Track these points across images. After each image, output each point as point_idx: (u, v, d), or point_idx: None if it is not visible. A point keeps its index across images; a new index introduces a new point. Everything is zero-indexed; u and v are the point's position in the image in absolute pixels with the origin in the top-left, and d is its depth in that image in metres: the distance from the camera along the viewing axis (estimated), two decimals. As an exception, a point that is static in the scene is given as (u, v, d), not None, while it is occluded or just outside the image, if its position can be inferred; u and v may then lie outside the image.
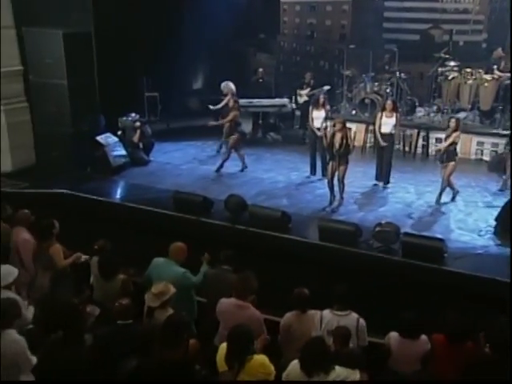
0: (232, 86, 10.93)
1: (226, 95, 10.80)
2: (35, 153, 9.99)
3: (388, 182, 9.02)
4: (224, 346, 4.32)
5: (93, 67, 9.77)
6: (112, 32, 9.94)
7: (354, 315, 4.82)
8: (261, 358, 4.23)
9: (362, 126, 11.13)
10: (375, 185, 9.10)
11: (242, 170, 9.78)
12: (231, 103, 9.83)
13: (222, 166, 9.69)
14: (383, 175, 9.02)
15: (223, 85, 11.01)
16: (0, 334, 4.36)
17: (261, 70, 12.57)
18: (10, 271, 5.19)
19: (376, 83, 11.52)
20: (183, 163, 10.29)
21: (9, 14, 9.29)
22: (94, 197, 8.69)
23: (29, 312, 5.30)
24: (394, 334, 4.80)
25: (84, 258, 6.22)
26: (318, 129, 9.24)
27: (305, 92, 11.48)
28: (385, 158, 8.96)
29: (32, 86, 9.66)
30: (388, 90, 11.39)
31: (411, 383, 4.80)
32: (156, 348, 4.40)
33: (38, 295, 5.93)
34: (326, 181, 8.60)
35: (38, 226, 6.31)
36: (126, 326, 4.61)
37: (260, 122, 11.96)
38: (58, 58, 9.23)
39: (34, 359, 4.48)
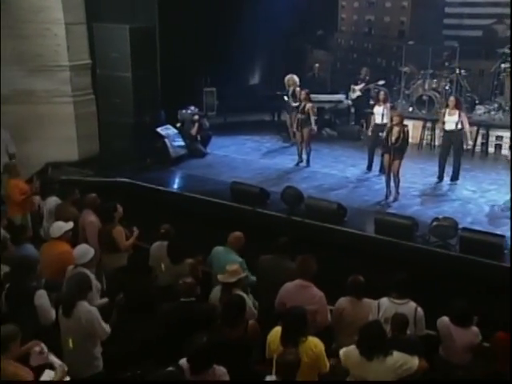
0: (296, 78, 11.02)
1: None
2: (99, 143, 10.44)
3: (457, 179, 8.92)
4: (277, 329, 4.47)
5: (155, 61, 10.13)
6: (175, 27, 10.29)
7: (413, 304, 4.85)
8: (315, 340, 4.36)
9: (419, 123, 11.03)
10: (438, 182, 8.98)
11: (297, 164, 9.87)
12: (303, 95, 9.84)
13: (308, 160, 9.81)
14: (454, 172, 8.92)
15: (288, 77, 11.11)
16: (76, 305, 4.67)
17: (316, 65, 12.63)
18: (88, 250, 5.46)
19: (434, 80, 11.39)
20: (240, 156, 10.49)
21: (81, 11, 9.76)
22: (154, 186, 9.03)
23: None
24: (445, 319, 4.82)
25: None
26: (378, 125, 9.25)
27: (359, 87, 11.48)
28: (454, 155, 8.87)
29: (98, 79, 10.10)
30: (447, 87, 11.24)
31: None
32: (216, 326, 4.63)
33: (103, 274, 6.28)
34: (382, 177, 8.64)
35: (102, 209, 6.66)
36: (189, 304, 4.81)
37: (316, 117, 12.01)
38: (123, 51, 9.62)
39: (108, 328, 4.76)
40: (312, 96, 11.45)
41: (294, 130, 10.12)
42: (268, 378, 4.02)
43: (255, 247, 6.08)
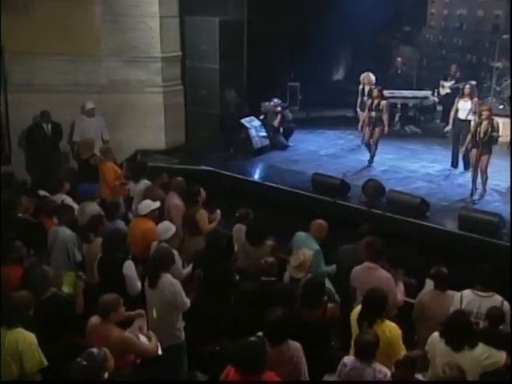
0: (372, 77, 10.89)
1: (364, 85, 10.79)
2: (185, 132, 10.84)
3: None
4: (358, 308, 4.52)
5: (242, 54, 10.37)
6: (262, 21, 10.48)
7: (498, 297, 4.73)
8: (391, 324, 4.37)
9: (509, 121, 10.56)
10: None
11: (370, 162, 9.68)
12: (376, 92, 9.69)
13: (372, 157, 9.67)
14: None
15: (363, 75, 11.02)
16: (160, 277, 4.94)
17: (399, 59, 12.40)
18: (170, 227, 5.75)
19: (528, 76, 10.91)
20: (322, 150, 10.54)
21: (175, 4, 10.18)
22: (236, 175, 9.27)
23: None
24: None
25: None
26: (461, 121, 8.97)
27: (448, 84, 11.18)
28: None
29: (187, 71, 10.48)
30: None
31: None
32: (296, 307, 4.74)
33: (186, 256, 6.55)
34: (468, 174, 8.40)
35: (187, 192, 6.92)
36: (270, 283, 4.96)
37: (399, 113, 11.85)
38: (212, 44, 9.94)
39: (188, 302, 5.00)
40: (395, 92, 11.36)
41: (365, 128, 9.74)
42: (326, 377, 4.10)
43: (334, 239, 6.16)
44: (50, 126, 9.73)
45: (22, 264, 5.24)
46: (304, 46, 11.91)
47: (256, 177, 9.43)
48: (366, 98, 10.32)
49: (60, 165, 9.75)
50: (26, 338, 4.09)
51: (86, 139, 9.34)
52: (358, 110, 10.76)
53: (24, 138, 9.96)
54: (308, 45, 11.97)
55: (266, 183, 8.97)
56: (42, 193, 7.40)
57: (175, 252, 5.58)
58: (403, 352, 4.39)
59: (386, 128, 9.48)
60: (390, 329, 4.34)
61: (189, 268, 5.67)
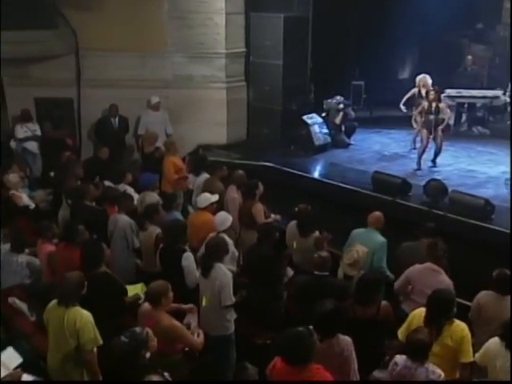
0: (429, 80, 10.09)
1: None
2: (247, 128, 10.92)
3: None
4: (421, 309, 4.39)
5: (307, 50, 10.34)
6: (327, 18, 10.40)
7: None
8: (462, 324, 4.24)
9: None
10: None
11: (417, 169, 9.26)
12: (432, 95, 9.18)
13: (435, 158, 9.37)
14: None
15: (419, 77, 10.41)
16: (214, 266, 5.01)
17: (469, 57, 11.94)
18: (227, 218, 5.83)
19: None
20: (384, 149, 10.33)
21: (241, 1, 10.29)
22: (295, 171, 9.25)
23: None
24: None
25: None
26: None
27: (524, 82, 10.68)
28: None
29: (251, 67, 10.56)
30: None
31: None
32: (349, 303, 4.68)
33: (242, 249, 6.61)
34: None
35: (245, 185, 6.98)
36: (322, 277, 4.92)
37: (466, 114, 11.43)
38: (276, 40, 9.96)
39: (233, 298, 5.02)
40: (462, 91, 10.96)
41: (422, 131, 9.32)
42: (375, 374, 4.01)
43: (393, 238, 6.04)
44: (117, 119, 10.09)
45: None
46: (369, 43, 11.70)
47: (316, 174, 9.38)
48: (422, 101, 9.82)
49: (124, 157, 10.08)
50: (83, 316, 4.26)
51: (150, 133, 9.60)
52: (402, 106, 10.38)
53: (93, 131, 10.37)
54: (374, 42, 11.74)
55: (326, 180, 8.91)
56: (106, 183, 7.70)
57: (230, 242, 5.65)
58: (471, 353, 4.23)
59: (451, 126, 9.20)
60: (462, 328, 4.23)
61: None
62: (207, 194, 6.39)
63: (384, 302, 4.70)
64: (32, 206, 8.05)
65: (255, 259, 5.60)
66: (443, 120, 9.16)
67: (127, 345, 3.57)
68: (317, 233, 5.96)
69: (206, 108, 10.47)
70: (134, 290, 5.30)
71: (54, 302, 4.41)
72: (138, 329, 3.72)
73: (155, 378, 3.47)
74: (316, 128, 10.13)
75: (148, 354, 3.63)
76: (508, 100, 11.16)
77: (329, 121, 10.46)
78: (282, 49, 9.96)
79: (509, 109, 11.26)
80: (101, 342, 4.25)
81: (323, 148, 10.15)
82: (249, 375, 3.92)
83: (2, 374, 3.80)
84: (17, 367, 4.04)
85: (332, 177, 8.97)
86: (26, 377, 4.06)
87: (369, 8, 11.45)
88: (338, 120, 10.43)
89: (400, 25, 11.52)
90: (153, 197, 6.78)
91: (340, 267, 5.49)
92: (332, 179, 8.85)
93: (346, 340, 4.08)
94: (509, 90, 11.03)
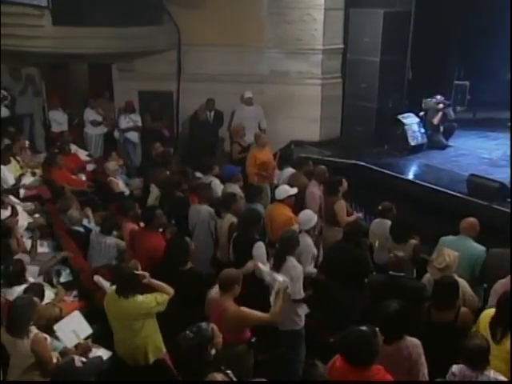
0: None
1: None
2: (340, 126, 10.76)
3: None
4: (490, 311, 4.15)
5: (406, 47, 9.96)
6: (431, 14, 9.94)
7: None
8: None
9: None
10: None
11: None
12: None
13: None
14: None
15: None
16: (285, 260, 4.98)
17: None
18: (312, 217, 5.72)
19: None
20: (485, 153, 9.71)
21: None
22: (387, 171, 8.97)
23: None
24: None
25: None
26: None
27: None
28: None
29: (348, 63, 10.37)
30: None
31: None
32: (426, 307, 4.47)
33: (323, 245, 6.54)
34: None
35: (328, 181, 6.89)
36: (397, 278, 4.74)
37: None
38: (374, 36, 9.67)
39: (303, 293, 5.00)
40: None
41: None
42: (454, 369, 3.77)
43: (485, 245, 5.68)
44: (212, 113, 10.36)
45: (165, 232, 5.66)
46: (475, 42, 11.07)
47: (408, 174, 9.02)
48: None
49: (216, 149, 10.34)
50: (142, 303, 4.37)
51: (238, 126, 9.80)
52: None
53: (188, 124, 10.74)
54: (480, 41, 11.10)
55: (417, 181, 8.55)
56: (197, 174, 7.96)
57: (309, 241, 5.58)
58: None
59: None
60: None
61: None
62: (286, 187, 6.39)
63: (464, 309, 4.45)
64: (127, 192, 8.52)
65: (339, 257, 5.49)
66: None
67: (193, 340, 3.56)
68: (413, 241, 5.70)
69: (300, 104, 10.46)
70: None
71: (113, 290, 4.53)
72: (204, 324, 3.70)
73: (218, 376, 3.43)
74: (412, 127, 9.75)
75: (213, 351, 3.60)
76: None
77: (426, 121, 10.04)
78: (380, 45, 9.66)
79: None
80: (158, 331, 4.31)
81: (418, 148, 9.75)
82: (317, 374, 3.88)
83: (73, 343, 4.03)
84: (87, 338, 4.27)
85: (425, 178, 8.58)
86: (95, 351, 4.31)
87: (475, 4, 10.82)
88: (436, 120, 9.97)
89: (509, 23, 10.76)
90: (234, 189, 6.89)
91: (428, 272, 5.24)
92: (424, 181, 8.47)
93: (414, 342, 3.90)
94: None
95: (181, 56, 10.71)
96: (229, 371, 3.62)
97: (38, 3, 9.24)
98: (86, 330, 4.40)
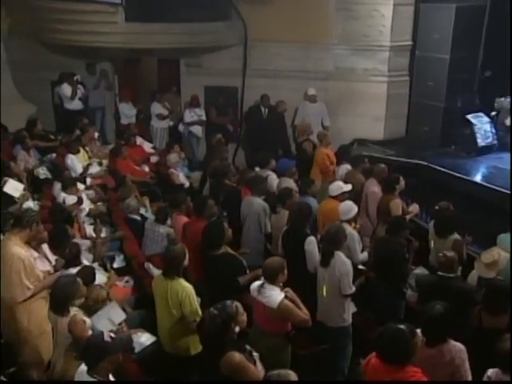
0: None
1: None
2: (406, 125, 10.47)
3: None
4: None
5: (479, 44, 9.54)
6: (508, 7, 9.43)
7: None
8: None
9: None
10: None
11: None
12: None
13: None
14: None
15: None
16: (333, 255, 4.92)
17: None
18: (352, 208, 5.68)
19: None
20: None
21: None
22: (451, 172, 8.63)
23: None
24: None
25: None
26: None
27: None
28: None
29: (416, 61, 10.06)
30: None
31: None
32: (475, 310, 4.28)
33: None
34: None
35: (385, 179, 6.74)
36: (446, 279, 4.57)
37: None
38: (445, 32, 9.32)
39: (353, 288, 4.91)
40: None
41: None
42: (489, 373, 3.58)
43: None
44: (267, 109, 10.37)
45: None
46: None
47: (473, 176, 8.64)
48: None
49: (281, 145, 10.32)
50: (185, 288, 4.44)
51: (305, 123, 9.72)
52: None
53: (243, 119, 10.83)
54: None
55: (481, 183, 8.21)
56: (256, 168, 8.01)
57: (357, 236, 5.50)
58: None
59: None
60: None
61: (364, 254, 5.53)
62: (340, 183, 6.31)
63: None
64: (187, 184, 8.70)
65: (382, 253, 5.38)
66: None
67: (217, 317, 3.61)
68: (456, 235, 5.53)
69: (365, 102, 10.26)
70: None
71: (160, 273, 4.64)
72: (228, 302, 3.75)
73: (237, 356, 3.45)
74: (482, 128, 9.31)
75: (237, 329, 3.63)
76: None
77: (498, 121, 9.55)
78: (451, 42, 9.29)
79: None
80: (200, 315, 4.37)
81: (488, 150, 9.30)
82: (361, 373, 3.80)
83: (109, 328, 4.16)
84: (120, 323, 4.40)
85: (491, 181, 8.20)
86: (140, 335, 4.43)
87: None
88: (508, 121, 9.47)
89: None
90: (289, 183, 6.86)
91: (475, 269, 5.02)
92: (490, 183, 8.10)
93: (457, 346, 3.75)
94: None
95: (247, 52, 10.79)
96: (255, 353, 3.63)
97: (112, 1, 9.61)
98: (120, 316, 4.53)
